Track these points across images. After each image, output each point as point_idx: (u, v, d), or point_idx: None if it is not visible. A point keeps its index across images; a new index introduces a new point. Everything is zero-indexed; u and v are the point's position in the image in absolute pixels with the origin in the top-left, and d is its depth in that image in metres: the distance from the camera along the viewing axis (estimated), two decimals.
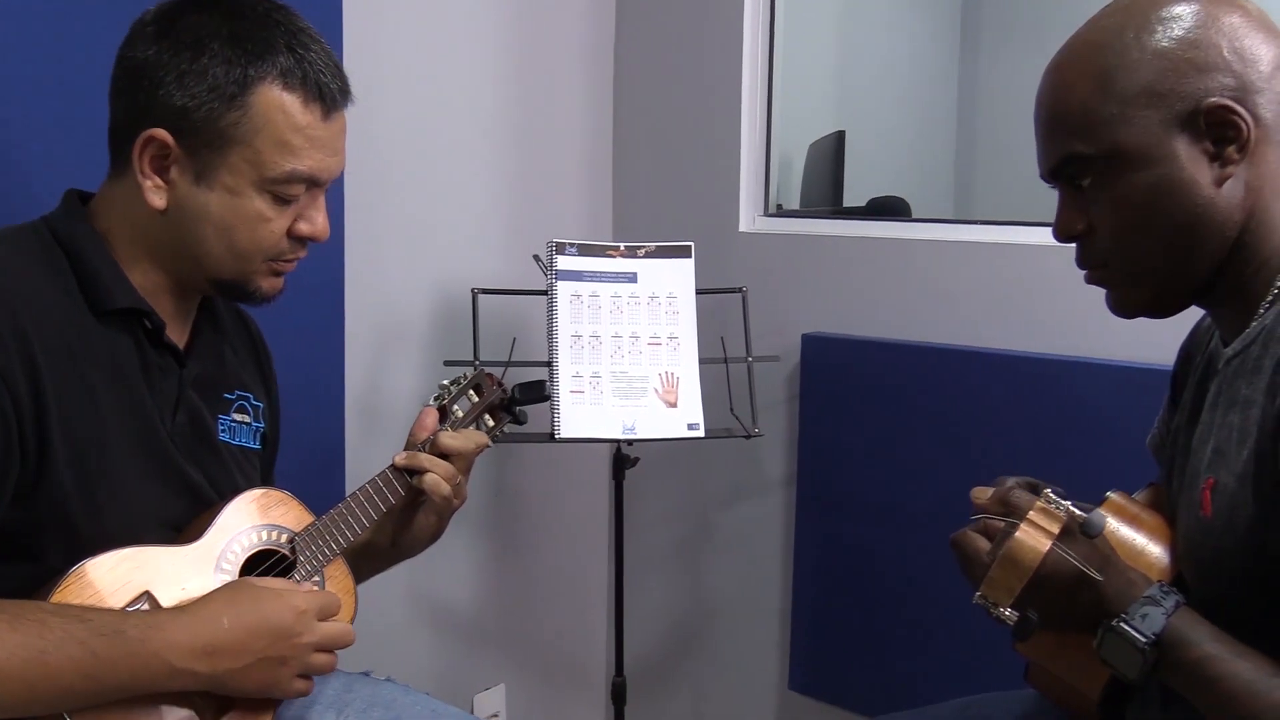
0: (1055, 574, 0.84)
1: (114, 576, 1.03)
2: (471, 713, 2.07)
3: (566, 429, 1.83)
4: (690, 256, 1.96)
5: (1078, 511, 0.86)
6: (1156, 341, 1.68)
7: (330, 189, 1.18)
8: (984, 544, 0.97)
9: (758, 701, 2.28)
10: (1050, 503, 0.87)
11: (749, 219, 2.26)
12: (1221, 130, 0.93)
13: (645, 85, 2.36)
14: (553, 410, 1.83)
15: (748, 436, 1.89)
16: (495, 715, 2.29)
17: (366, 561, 1.35)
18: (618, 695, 2.01)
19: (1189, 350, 1.16)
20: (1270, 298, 0.96)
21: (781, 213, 2.33)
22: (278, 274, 1.18)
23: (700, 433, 1.87)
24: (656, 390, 1.88)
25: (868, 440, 2.02)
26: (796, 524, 2.13)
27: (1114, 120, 0.95)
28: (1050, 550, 0.83)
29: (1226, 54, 0.93)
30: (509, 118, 2.19)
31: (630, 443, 1.90)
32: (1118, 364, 1.75)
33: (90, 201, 1.15)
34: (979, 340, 1.93)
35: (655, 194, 2.36)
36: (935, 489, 1.94)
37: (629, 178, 2.40)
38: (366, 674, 1.37)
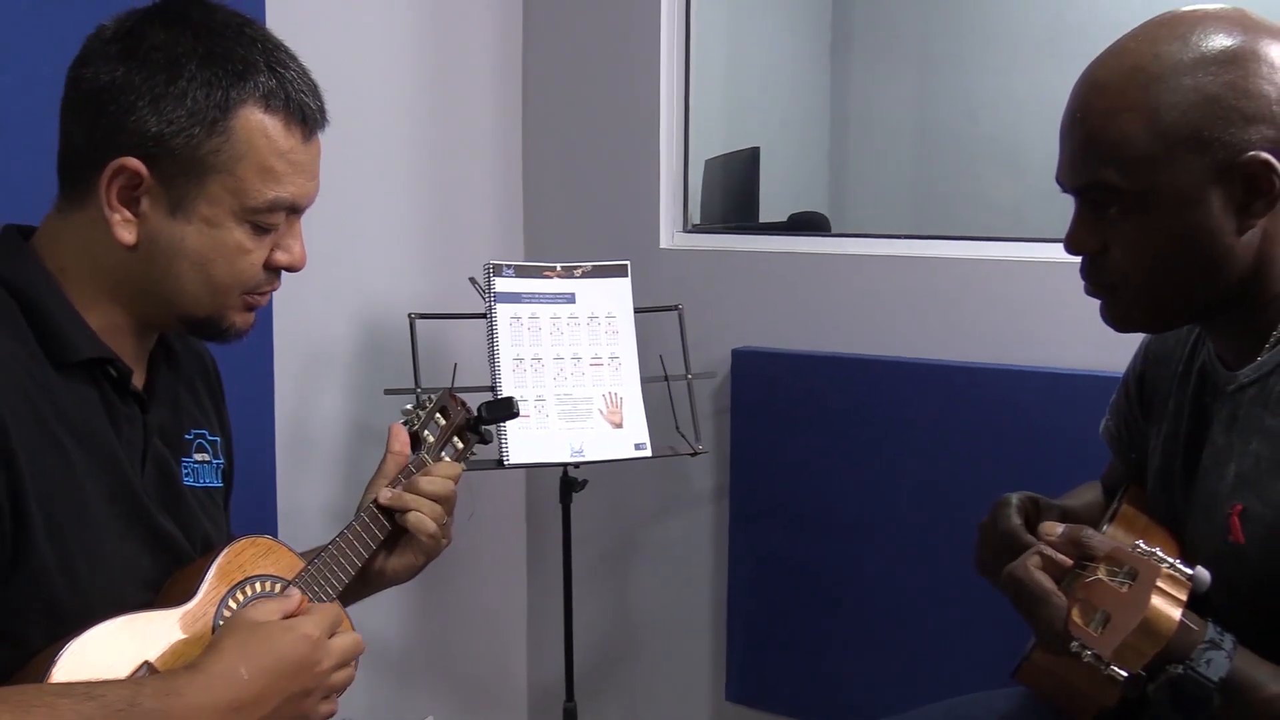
0: (1176, 638, 0.85)
1: (109, 650, 0.94)
2: None
3: (515, 455, 1.79)
4: (627, 275, 1.95)
5: (1188, 570, 0.88)
6: (1085, 349, 1.79)
7: None
8: (1047, 580, 0.96)
9: (695, 713, 2.28)
10: (1156, 559, 0.88)
11: (668, 235, 2.26)
12: (1254, 183, 0.93)
13: (554, 99, 2.32)
14: (500, 436, 1.79)
15: (694, 454, 1.89)
16: None
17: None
18: None
19: (1156, 353, 1.18)
20: None
21: (699, 229, 2.34)
22: (250, 308, 1.11)
23: (648, 452, 1.86)
24: (601, 411, 1.86)
25: (799, 452, 2.05)
26: (730, 536, 2.15)
27: (1156, 161, 0.94)
28: (1180, 620, 0.86)
29: (1275, 105, 0.92)
30: (420, 138, 2.13)
31: (578, 465, 1.87)
32: (1046, 370, 1.84)
33: (32, 237, 1.05)
34: (907, 351, 1.99)
35: (568, 212, 2.33)
36: (867, 499, 1.99)
37: (540, 196, 2.36)
38: None
